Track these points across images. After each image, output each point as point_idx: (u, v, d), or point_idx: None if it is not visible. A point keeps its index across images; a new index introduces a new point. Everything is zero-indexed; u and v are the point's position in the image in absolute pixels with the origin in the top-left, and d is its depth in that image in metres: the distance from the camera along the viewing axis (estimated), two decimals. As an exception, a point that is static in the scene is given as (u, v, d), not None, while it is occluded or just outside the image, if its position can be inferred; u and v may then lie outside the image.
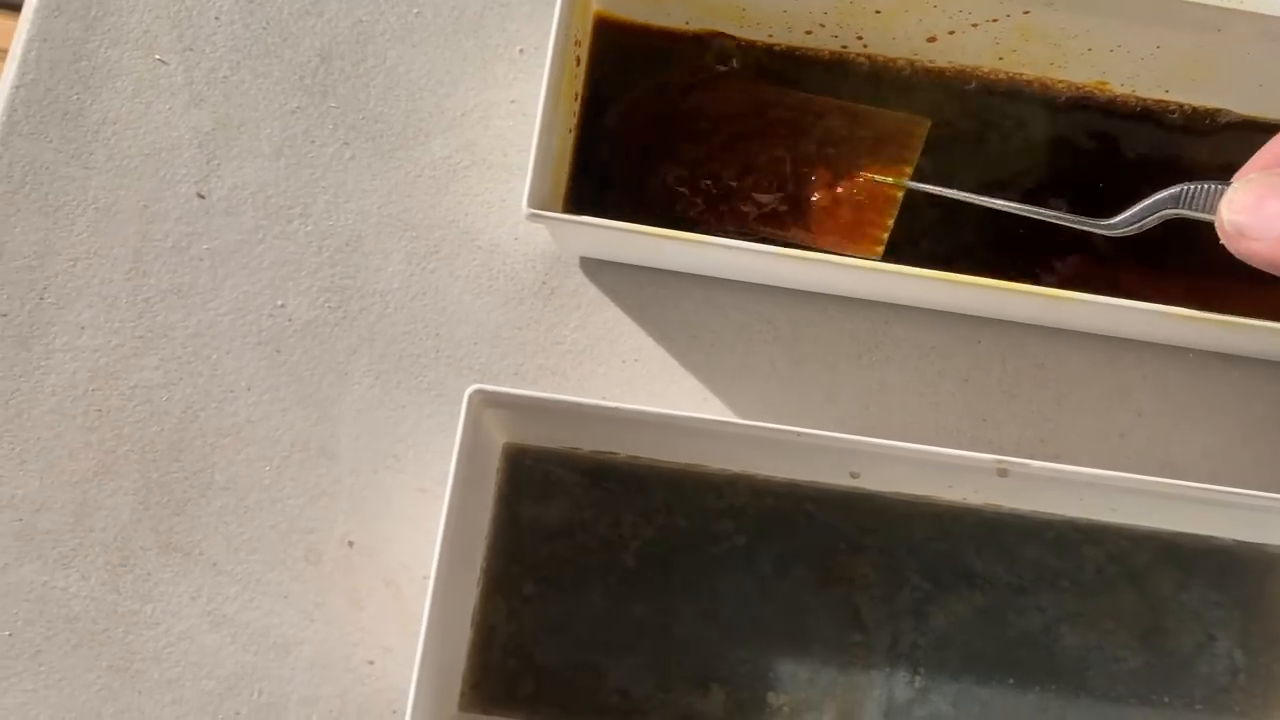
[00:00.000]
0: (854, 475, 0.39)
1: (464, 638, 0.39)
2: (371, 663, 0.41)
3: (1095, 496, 0.38)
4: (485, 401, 0.36)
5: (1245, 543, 0.40)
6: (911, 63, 0.44)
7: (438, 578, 0.35)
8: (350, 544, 0.42)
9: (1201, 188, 0.35)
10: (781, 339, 0.44)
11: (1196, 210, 0.36)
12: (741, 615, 0.40)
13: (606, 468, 0.40)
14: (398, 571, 0.41)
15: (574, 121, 0.42)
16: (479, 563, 0.39)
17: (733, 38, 0.44)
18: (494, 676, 0.39)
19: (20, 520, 0.41)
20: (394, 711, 0.41)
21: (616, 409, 0.36)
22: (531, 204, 0.37)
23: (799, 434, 0.36)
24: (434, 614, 0.34)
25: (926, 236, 0.43)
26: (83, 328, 0.42)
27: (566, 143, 0.42)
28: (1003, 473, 0.37)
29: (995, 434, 0.44)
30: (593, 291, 0.44)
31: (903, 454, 0.36)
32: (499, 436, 0.40)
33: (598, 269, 0.44)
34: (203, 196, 0.44)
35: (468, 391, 0.36)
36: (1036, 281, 0.42)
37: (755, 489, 0.41)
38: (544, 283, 0.44)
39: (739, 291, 0.44)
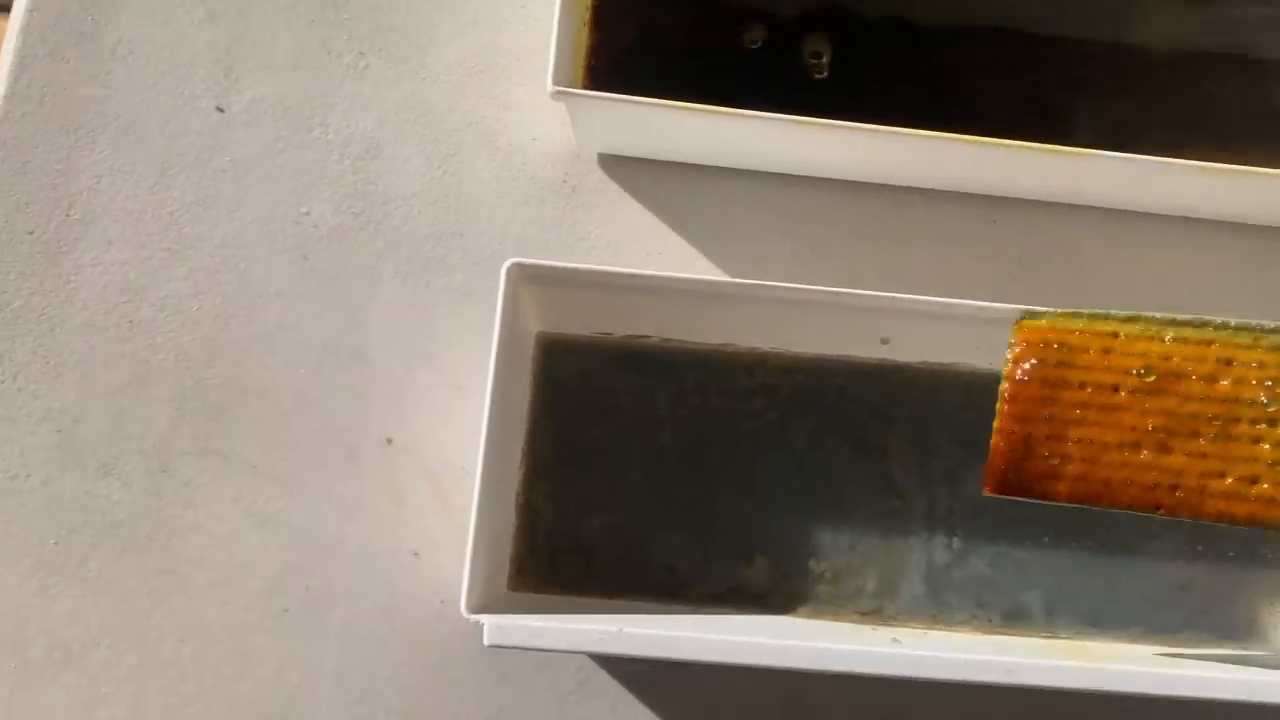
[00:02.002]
0: (884, 341, 0.40)
1: (509, 522, 0.39)
2: (416, 554, 0.41)
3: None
4: (522, 275, 0.36)
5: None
6: None
7: (486, 456, 0.35)
8: (389, 441, 0.42)
9: None
10: (802, 227, 0.45)
11: None
12: (780, 488, 0.40)
13: (639, 352, 0.41)
14: (437, 466, 0.42)
15: (588, 16, 0.43)
16: (519, 448, 0.40)
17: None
18: (540, 557, 0.39)
19: (59, 432, 0.41)
20: (441, 601, 0.41)
21: (653, 276, 0.36)
22: (556, 82, 0.37)
23: (834, 294, 0.36)
24: (484, 492, 0.35)
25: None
26: (110, 242, 0.43)
27: (582, 36, 0.42)
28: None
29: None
30: (613, 188, 0.45)
31: (932, 309, 0.37)
32: (533, 324, 0.40)
33: (617, 165, 0.45)
34: (222, 110, 0.44)
35: (505, 265, 0.36)
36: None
37: (785, 366, 0.41)
38: (564, 181, 0.45)
39: (758, 182, 0.45)
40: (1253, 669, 0.37)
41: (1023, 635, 0.40)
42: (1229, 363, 0.33)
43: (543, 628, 0.32)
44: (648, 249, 0.44)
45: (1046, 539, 0.41)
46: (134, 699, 0.40)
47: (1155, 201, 0.45)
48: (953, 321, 0.38)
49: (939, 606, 0.40)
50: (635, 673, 0.41)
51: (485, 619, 0.33)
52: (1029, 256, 0.45)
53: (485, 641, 0.33)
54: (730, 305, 0.38)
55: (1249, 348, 0.33)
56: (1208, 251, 0.46)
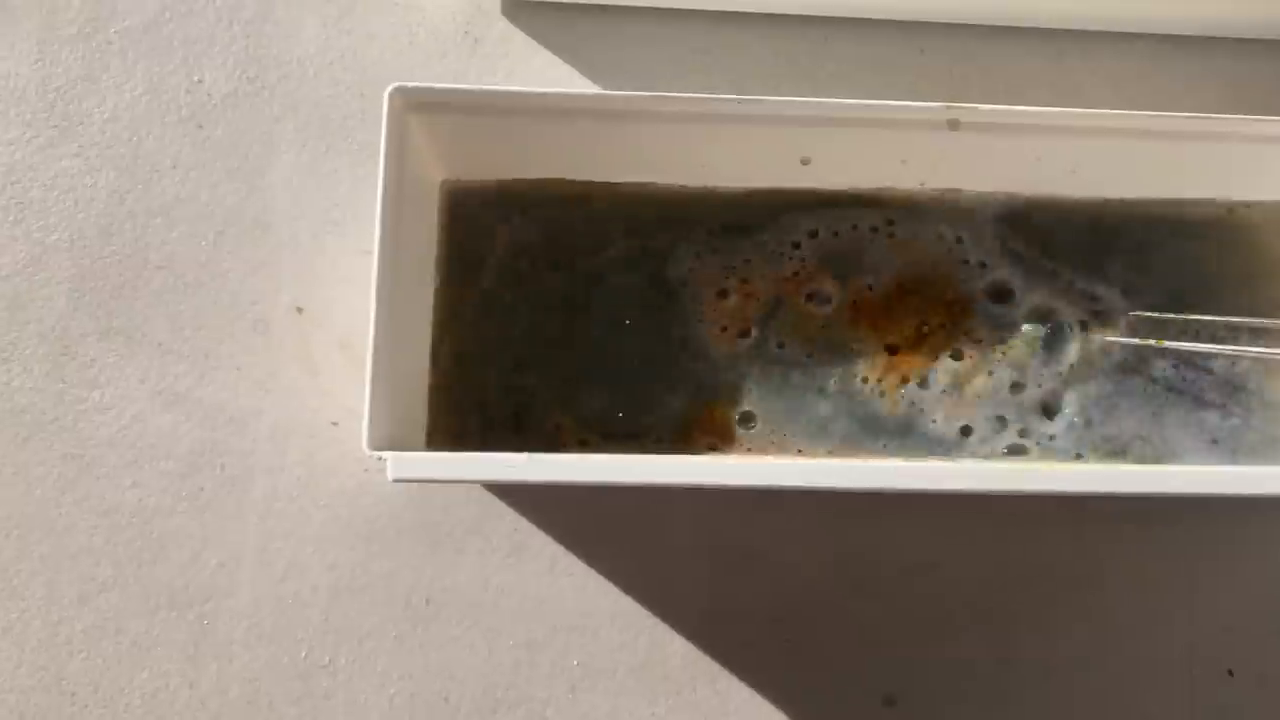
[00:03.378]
0: (804, 162, 0.38)
1: (421, 379, 0.37)
2: (335, 424, 0.40)
3: (1055, 152, 0.37)
4: (407, 104, 0.34)
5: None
6: None
7: (378, 303, 0.33)
8: (299, 311, 0.40)
9: None
10: (720, 67, 0.43)
11: None
12: (697, 332, 0.39)
13: (551, 197, 0.39)
14: (351, 334, 0.40)
15: None
16: (428, 302, 0.38)
17: None
18: (455, 414, 0.38)
19: (-48, 320, 0.40)
20: (365, 470, 0.39)
21: (549, 94, 0.34)
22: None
23: (739, 101, 0.34)
24: (379, 331, 0.33)
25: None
26: (-7, 123, 0.41)
27: None
28: (954, 124, 0.36)
29: (948, 136, 0.43)
30: (519, 37, 0.43)
31: (851, 112, 0.35)
32: (435, 172, 0.38)
33: (521, 12, 0.43)
34: (103, -19, 0.42)
35: (387, 90, 0.34)
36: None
37: (703, 200, 0.39)
38: (466, 33, 0.43)
39: (672, 21, 0.43)
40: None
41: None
42: None
43: (449, 457, 0.31)
44: (559, 99, 0.42)
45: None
46: (48, 589, 0.39)
47: (1086, 15, 0.43)
48: (877, 129, 0.36)
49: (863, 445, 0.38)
50: (572, 533, 0.40)
51: (389, 455, 0.31)
52: (961, 85, 0.43)
53: (390, 476, 0.31)
54: (636, 126, 0.36)
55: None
56: (1143, 66, 0.44)
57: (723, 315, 0.39)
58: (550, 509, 0.40)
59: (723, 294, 0.39)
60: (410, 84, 0.34)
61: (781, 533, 0.40)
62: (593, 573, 0.40)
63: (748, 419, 0.38)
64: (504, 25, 0.43)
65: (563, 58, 0.43)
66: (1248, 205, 0.40)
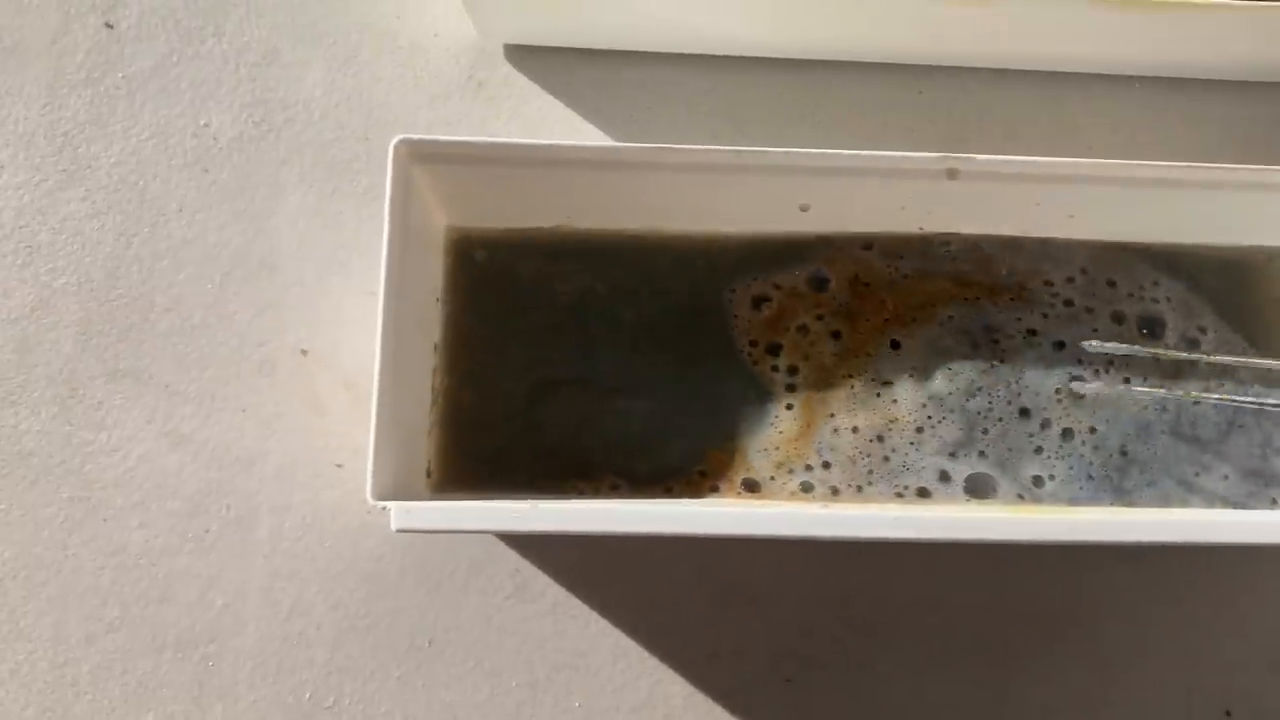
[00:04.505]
0: (804, 208, 0.38)
1: (423, 422, 0.38)
2: (340, 466, 0.40)
3: (1053, 198, 0.37)
4: (413, 154, 0.35)
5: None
6: None
7: (383, 347, 0.34)
8: (304, 352, 0.41)
9: None
10: (721, 109, 0.43)
11: None
12: (705, 376, 0.39)
13: (555, 243, 0.39)
14: (356, 375, 0.40)
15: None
16: (431, 346, 0.38)
17: None
18: (459, 458, 0.38)
19: (-39, 363, 0.40)
20: (368, 511, 0.40)
21: (552, 146, 0.35)
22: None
23: (738, 153, 0.35)
24: (384, 376, 0.33)
25: None
26: (2, 167, 0.41)
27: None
28: (952, 174, 0.36)
29: (946, 177, 0.43)
30: (522, 81, 0.43)
31: (848, 163, 0.35)
32: (439, 217, 0.39)
33: (524, 57, 0.43)
34: (111, 26, 0.43)
35: (393, 142, 0.34)
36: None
37: (705, 247, 0.40)
38: (470, 76, 0.43)
39: (673, 66, 0.43)
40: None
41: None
42: None
43: (450, 507, 0.31)
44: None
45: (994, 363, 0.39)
46: (55, 629, 0.39)
47: (1084, 59, 0.43)
48: (875, 176, 0.36)
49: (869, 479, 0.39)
50: (574, 574, 0.40)
51: (392, 505, 0.32)
52: (958, 126, 0.44)
53: (393, 526, 0.32)
54: (639, 177, 0.36)
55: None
56: (1141, 109, 0.44)
57: (758, 359, 0.39)
58: (552, 550, 0.40)
59: (757, 345, 0.39)
60: (415, 136, 0.34)
61: (782, 572, 0.40)
62: (594, 613, 0.40)
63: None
64: (507, 69, 0.43)
65: (564, 101, 0.43)
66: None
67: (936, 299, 0.40)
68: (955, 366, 0.39)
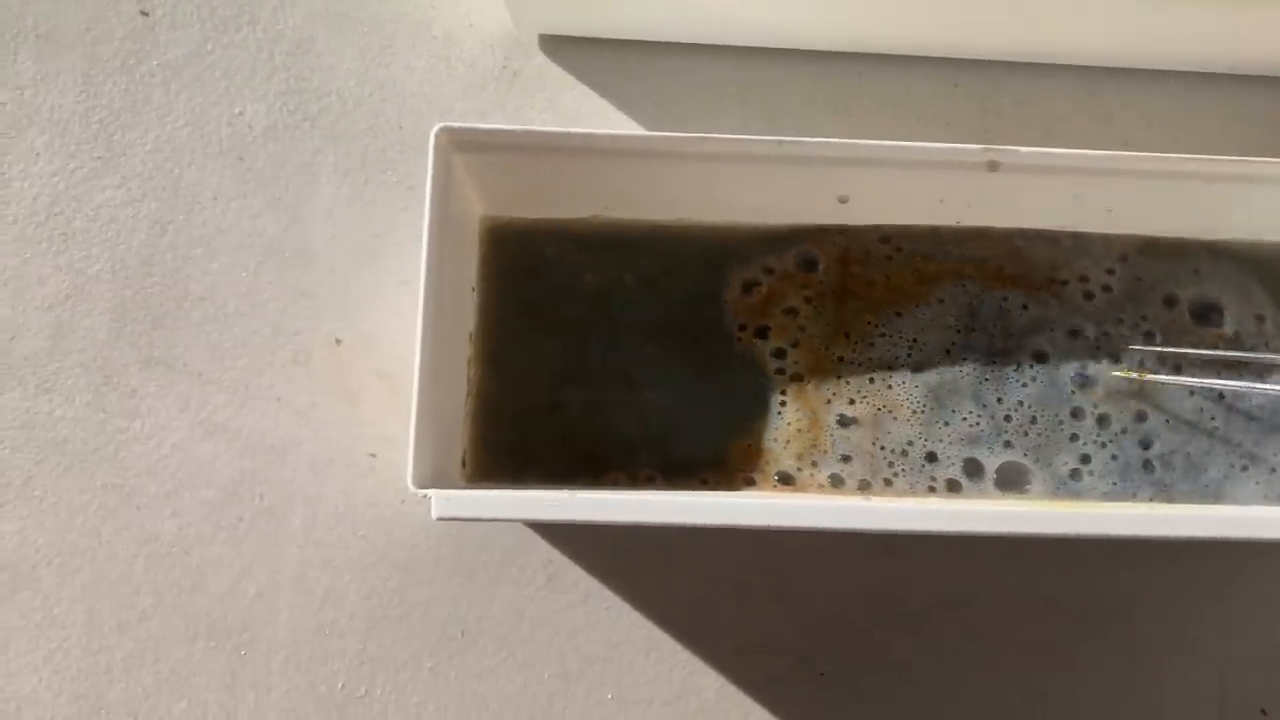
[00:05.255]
0: (842, 200, 0.38)
1: (460, 412, 0.38)
2: (373, 455, 0.40)
3: (1093, 190, 0.37)
4: (453, 142, 0.34)
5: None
6: None
7: (423, 339, 0.33)
8: (338, 341, 0.41)
9: None
10: (754, 100, 0.43)
11: None
12: (734, 366, 0.39)
13: (590, 233, 0.39)
14: (390, 364, 0.40)
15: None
16: (466, 335, 0.38)
17: None
18: (494, 448, 0.38)
19: (-4, 349, 0.40)
20: (402, 501, 0.40)
21: (591, 135, 0.35)
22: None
23: (779, 143, 0.35)
24: (424, 367, 0.33)
25: None
26: (38, 154, 0.41)
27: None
28: (993, 166, 0.36)
29: (982, 170, 0.43)
30: (556, 71, 0.43)
31: (890, 154, 0.35)
32: (476, 207, 0.39)
33: (558, 47, 0.43)
34: (146, 14, 0.42)
35: (434, 130, 0.34)
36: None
37: (743, 239, 0.40)
38: (504, 67, 0.43)
39: (708, 57, 0.43)
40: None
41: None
42: None
43: (491, 496, 0.31)
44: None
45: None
46: (88, 617, 0.39)
47: (1120, 53, 0.43)
48: (913, 169, 0.36)
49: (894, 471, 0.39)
50: (606, 566, 0.40)
51: (433, 493, 0.32)
52: (994, 120, 0.44)
53: (434, 514, 0.32)
54: (676, 167, 0.36)
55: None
56: (1176, 103, 0.44)
57: (764, 350, 0.39)
58: (584, 541, 0.40)
59: (762, 333, 0.39)
60: (456, 124, 0.34)
61: (815, 566, 0.40)
62: (626, 605, 0.40)
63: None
64: (541, 59, 0.43)
65: (598, 91, 0.43)
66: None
67: (957, 281, 0.40)
68: (973, 357, 0.39)
